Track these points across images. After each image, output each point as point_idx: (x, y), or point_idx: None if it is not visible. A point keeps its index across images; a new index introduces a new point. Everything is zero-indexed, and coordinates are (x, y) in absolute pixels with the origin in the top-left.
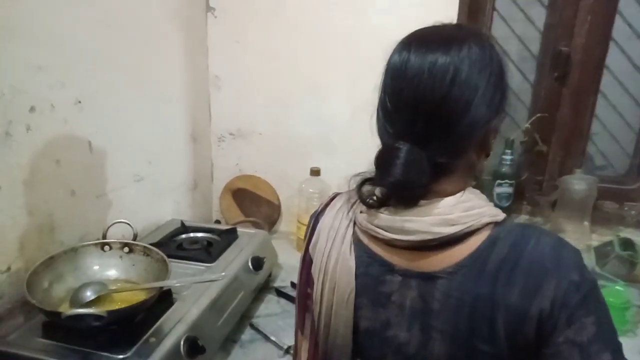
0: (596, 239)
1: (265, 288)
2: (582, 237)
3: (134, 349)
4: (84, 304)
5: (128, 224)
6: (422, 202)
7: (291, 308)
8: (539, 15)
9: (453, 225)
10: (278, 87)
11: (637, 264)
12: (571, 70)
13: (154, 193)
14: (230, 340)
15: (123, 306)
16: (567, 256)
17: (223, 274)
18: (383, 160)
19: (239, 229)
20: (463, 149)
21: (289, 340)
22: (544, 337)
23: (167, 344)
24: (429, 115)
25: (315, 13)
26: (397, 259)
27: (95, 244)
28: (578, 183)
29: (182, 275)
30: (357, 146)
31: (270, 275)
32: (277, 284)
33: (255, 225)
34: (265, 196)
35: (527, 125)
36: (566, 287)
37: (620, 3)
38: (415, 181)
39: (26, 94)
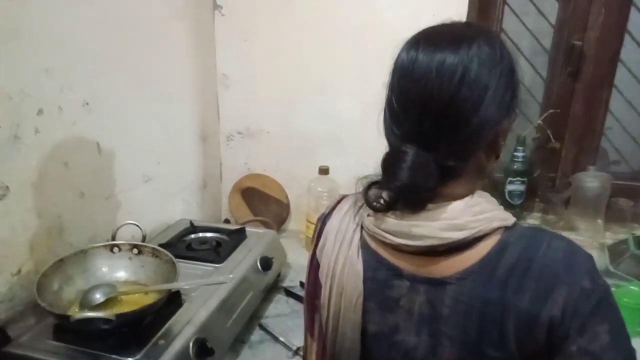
0: (610, 237)
1: (274, 288)
2: (595, 235)
3: (143, 351)
4: (93, 307)
5: (137, 225)
6: (429, 206)
7: (300, 308)
8: (552, 9)
9: (461, 230)
10: (287, 85)
11: None
12: (584, 64)
13: (163, 193)
14: (239, 341)
15: (132, 308)
16: (579, 261)
17: (231, 276)
18: (389, 163)
19: (248, 229)
20: (472, 150)
21: (298, 341)
22: (555, 344)
23: (176, 346)
24: (436, 116)
25: (324, 10)
26: (404, 264)
27: (105, 246)
28: (591, 180)
29: (191, 276)
30: (367, 144)
31: (279, 275)
32: (286, 283)
33: (264, 224)
34: (274, 195)
35: (540, 121)
36: (577, 294)
37: None
38: (422, 185)
39: (34, 96)
